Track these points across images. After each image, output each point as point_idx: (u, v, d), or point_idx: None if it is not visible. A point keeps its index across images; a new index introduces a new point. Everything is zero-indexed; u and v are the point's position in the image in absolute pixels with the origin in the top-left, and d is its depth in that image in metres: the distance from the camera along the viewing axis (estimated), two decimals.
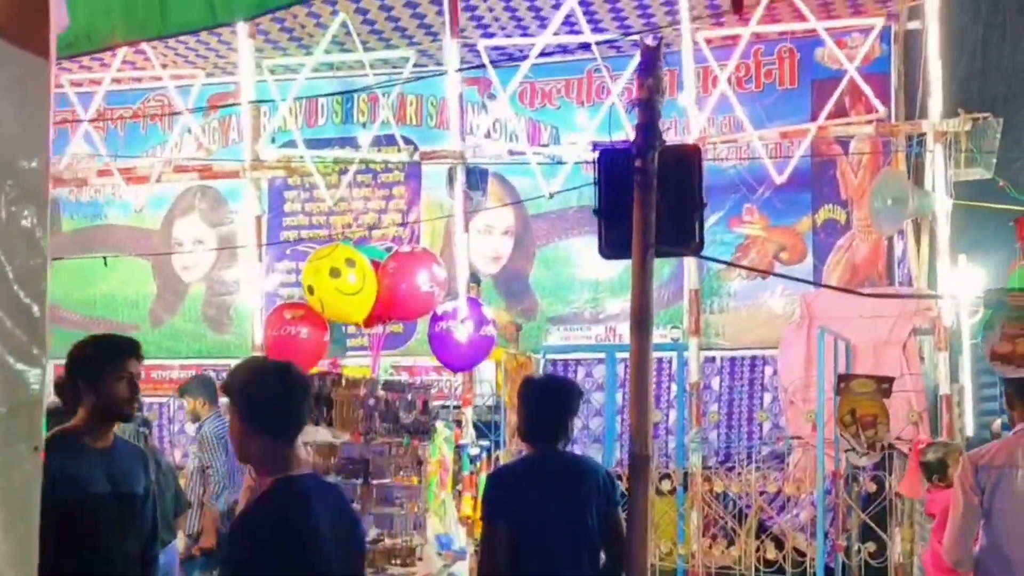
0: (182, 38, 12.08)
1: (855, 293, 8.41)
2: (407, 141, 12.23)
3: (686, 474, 9.23)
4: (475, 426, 9.40)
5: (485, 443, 7.69)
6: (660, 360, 10.88)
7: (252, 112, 10.90)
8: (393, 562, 4.60)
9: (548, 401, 4.59)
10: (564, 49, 11.82)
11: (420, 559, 4.64)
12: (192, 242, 13.76)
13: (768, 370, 11.02)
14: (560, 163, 11.12)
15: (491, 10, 11.55)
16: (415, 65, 12.19)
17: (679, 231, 4.51)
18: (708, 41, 10.48)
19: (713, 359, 11.19)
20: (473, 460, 6.70)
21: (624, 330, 9.81)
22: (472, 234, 12.62)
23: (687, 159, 4.57)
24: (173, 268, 13.78)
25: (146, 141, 13.32)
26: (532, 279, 12.29)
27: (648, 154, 4.42)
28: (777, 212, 11.42)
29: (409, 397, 4.56)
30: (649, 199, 4.42)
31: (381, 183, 13.08)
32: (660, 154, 4.48)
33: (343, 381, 4.57)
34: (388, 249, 13.06)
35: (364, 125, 12.13)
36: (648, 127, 4.46)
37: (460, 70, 10.74)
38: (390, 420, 4.43)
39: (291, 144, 11.95)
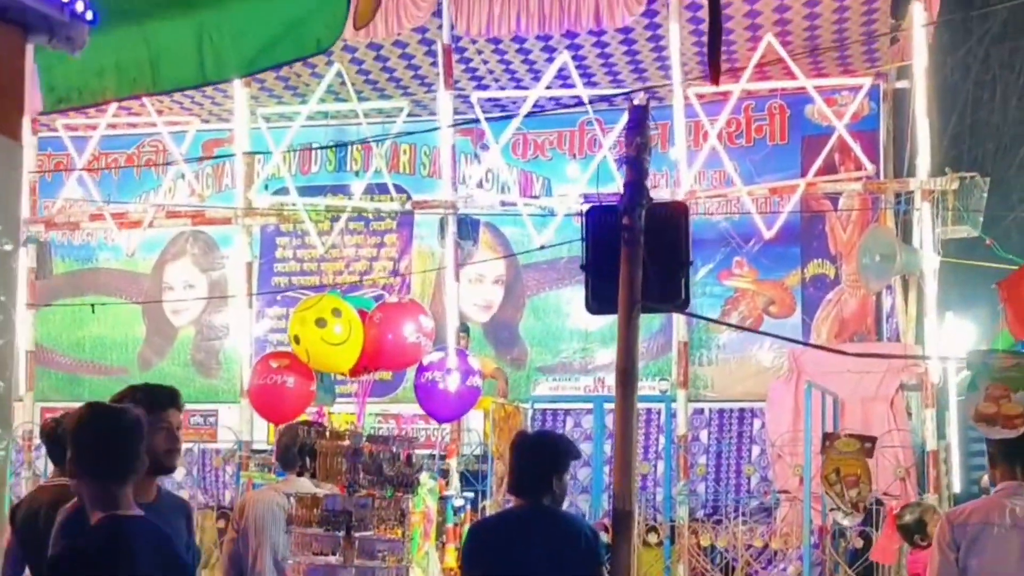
0: None
1: (840, 352, 8.46)
2: (400, 190, 12.31)
3: (673, 527, 9.22)
4: (462, 475, 9.38)
5: (470, 494, 7.67)
6: (648, 411, 10.92)
7: (245, 159, 10.97)
8: None
9: (537, 456, 4.60)
10: (557, 102, 11.93)
11: None
12: (183, 286, 13.77)
13: (757, 423, 11.02)
14: (551, 215, 11.18)
15: (485, 63, 11.68)
16: (409, 115, 12.32)
17: (665, 288, 4.55)
18: (700, 97, 10.58)
19: (702, 411, 11.20)
20: (457, 511, 6.68)
21: (612, 380, 9.81)
22: (463, 283, 12.64)
23: (674, 217, 4.63)
24: (163, 312, 13.78)
25: (141, 186, 13.36)
26: (522, 328, 12.32)
27: (635, 211, 4.47)
28: (766, 266, 11.49)
29: (394, 449, 4.55)
30: (635, 256, 4.47)
31: (373, 231, 13.14)
32: (647, 211, 4.53)
33: (327, 432, 4.57)
34: (379, 297, 13.15)
35: (357, 173, 12.21)
36: (635, 185, 4.51)
37: (454, 125, 10.84)
38: (374, 472, 4.42)
39: (284, 191, 12.02)
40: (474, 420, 9.78)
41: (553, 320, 12.09)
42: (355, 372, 6.81)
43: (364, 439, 4.49)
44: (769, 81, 10.67)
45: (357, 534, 4.35)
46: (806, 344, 9.80)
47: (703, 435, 11.08)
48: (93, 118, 11.87)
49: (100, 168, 13.73)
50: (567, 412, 11.46)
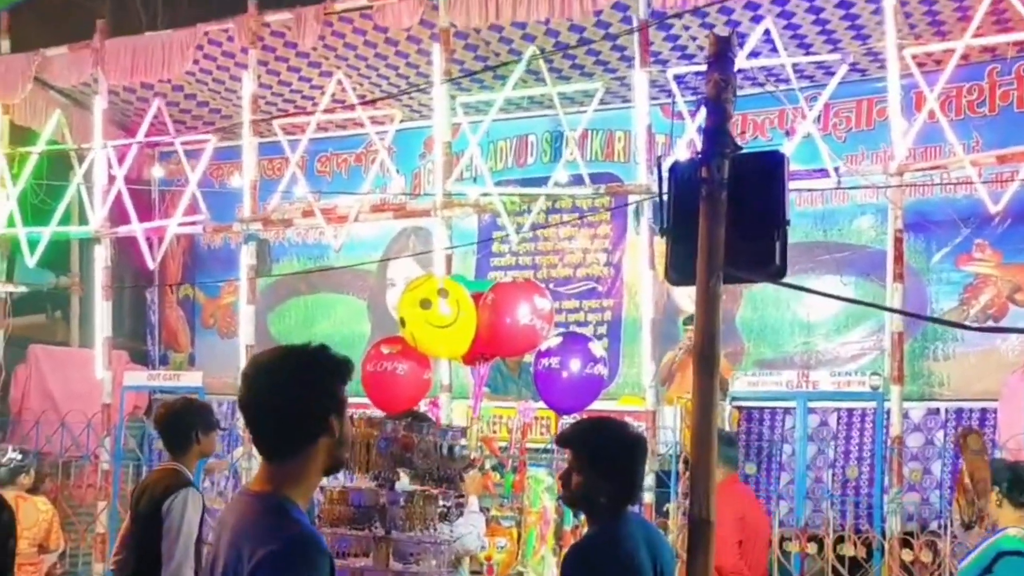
0: (382, 72, 12.22)
1: None
2: (612, 178, 11.90)
3: (882, 539, 8.19)
4: (657, 475, 8.78)
5: None
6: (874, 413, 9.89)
7: (445, 151, 10.78)
8: None
9: (643, 456, 4.02)
10: (770, 73, 11.06)
11: None
12: (404, 282, 13.84)
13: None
14: None
15: (694, 39, 10.99)
16: (622, 99, 11.88)
17: (755, 252, 3.84)
18: (923, 59, 9.47)
19: (937, 411, 10.03)
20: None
21: (817, 376, 8.92)
22: None
23: (768, 168, 3.91)
24: (387, 308, 13.91)
25: (358, 186, 13.47)
26: (739, 321, 11.48)
27: (715, 161, 3.80)
28: (1013, 248, 10.15)
29: (432, 440, 4.03)
30: (717, 214, 3.79)
31: (588, 223, 12.70)
32: (733, 162, 3.84)
33: (359, 420, 4.11)
34: (592, 290, 12.69)
35: (567, 163, 11.70)
36: (716, 130, 3.84)
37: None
38: (404, 464, 3.94)
39: (503, 183, 11.83)
40: (668, 417, 9.13)
41: (772, 312, 11.20)
42: (469, 359, 6.32)
43: (398, 427, 4.01)
44: (1007, 34, 9.35)
45: (395, 534, 3.86)
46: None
47: (939, 437, 9.90)
48: (309, 114, 12.09)
49: (325, 170, 14.09)
50: (786, 411, 10.52)
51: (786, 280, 4.12)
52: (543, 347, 6.65)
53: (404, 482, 4.00)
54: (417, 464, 3.99)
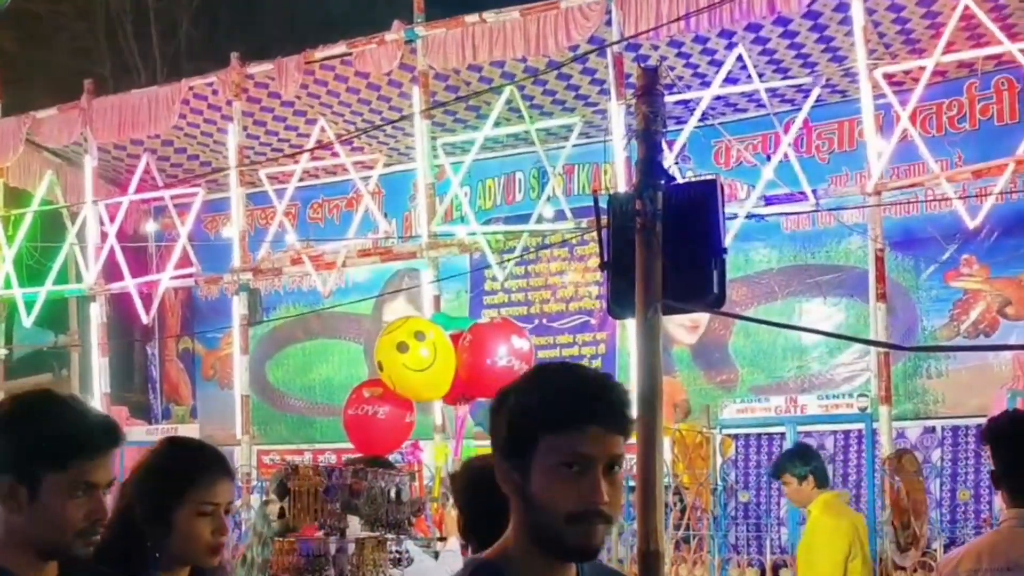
0: (366, 117, 12.28)
1: None
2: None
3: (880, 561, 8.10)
4: None
5: None
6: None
7: (428, 192, 10.83)
8: None
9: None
10: (751, 99, 11.09)
11: None
12: None
13: None
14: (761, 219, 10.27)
15: (671, 69, 11.01)
16: (605, 133, 11.88)
17: (692, 282, 3.83)
18: (890, 77, 9.46)
19: (932, 429, 9.96)
20: None
21: (805, 400, 8.86)
22: None
23: (701, 198, 3.90)
24: None
25: (361, 230, 13.47)
26: (732, 348, 11.45)
27: (647, 193, 3.80)
28: (1001, 262, 10.10)
29: (382, 484, 3.99)
30: (652, 246, 3.78)
31: (578, 256, 12.70)
32: (667, 193, 3.84)
33: (306, 468, 4.06)
34: (585, 323, 12.68)
35: (549, 199, 11.71)
36: (648, 162, 3.84)
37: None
38: (352, 511, 3.91)
39: (491, 221, 11.90)
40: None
41: (765, 338, 11.15)
42: (451, 400, 6.30)
43: (345, 474, 4.00)
44: (980, 49, 9.34)
45: None
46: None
47: (935, 455, 9.81)
48: (293, 161, 12.17)
49: (317, 216, 14.15)
50: (783, 437, 10.44)
51: (738, 310, 4.10)
52: None
53: (356, 528, 3.98)
54: (364, 510, 3.97)
